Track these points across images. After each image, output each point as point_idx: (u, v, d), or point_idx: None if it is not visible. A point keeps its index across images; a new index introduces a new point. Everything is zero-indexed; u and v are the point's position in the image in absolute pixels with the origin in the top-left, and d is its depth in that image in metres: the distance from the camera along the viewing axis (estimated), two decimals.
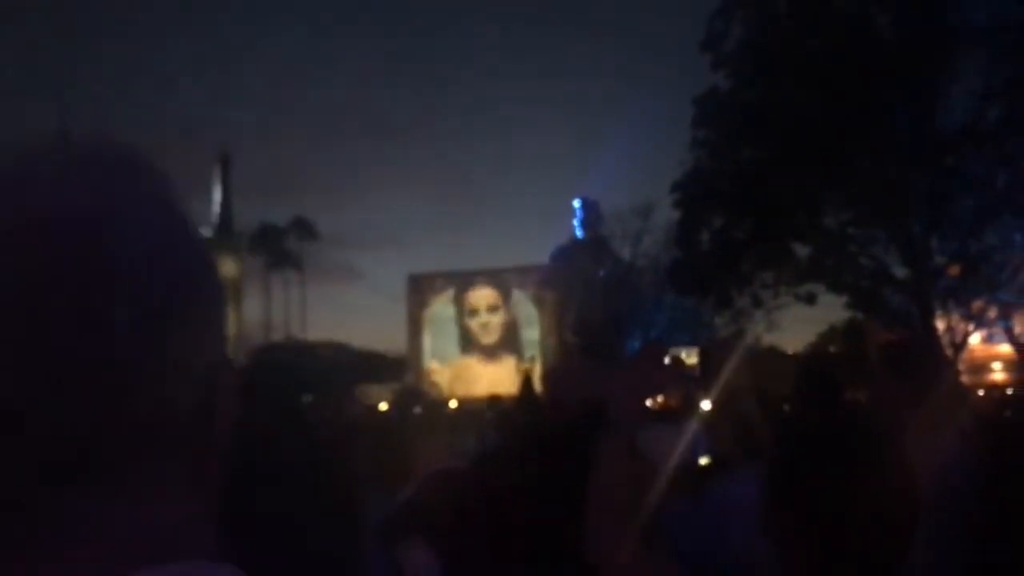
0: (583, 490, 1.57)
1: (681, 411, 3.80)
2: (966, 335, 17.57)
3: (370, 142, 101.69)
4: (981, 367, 23.95)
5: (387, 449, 3.11)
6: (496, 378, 31.39)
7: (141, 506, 0.45)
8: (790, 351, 19.84)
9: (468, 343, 39.90)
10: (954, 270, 16.81)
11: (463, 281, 40.57)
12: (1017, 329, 19.03)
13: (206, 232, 40.36)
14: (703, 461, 2.86)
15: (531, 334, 38.61)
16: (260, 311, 44.36)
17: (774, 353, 18.52)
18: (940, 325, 16.74)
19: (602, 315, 29.84)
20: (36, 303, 0.43)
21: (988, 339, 23.53)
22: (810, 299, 17.97)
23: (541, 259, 39.26)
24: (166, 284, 0.47)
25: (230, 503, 0.51)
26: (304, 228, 46.02)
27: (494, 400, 7.74)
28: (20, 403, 0.42)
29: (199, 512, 0.48)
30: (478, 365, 38.31)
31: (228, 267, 42.90)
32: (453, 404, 12.88)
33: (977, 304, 17.23)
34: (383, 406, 10.53)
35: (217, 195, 48.40)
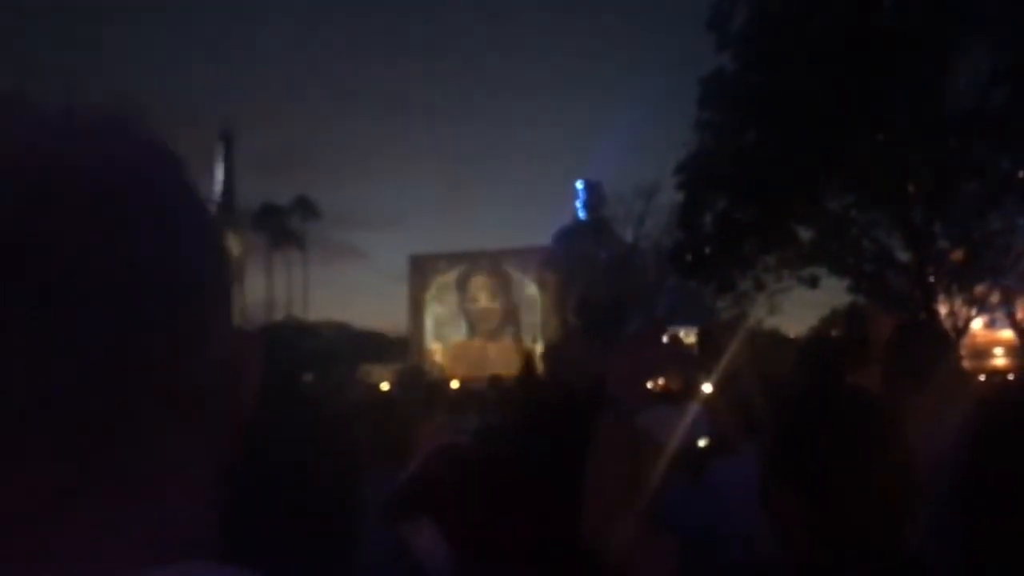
0: (583, 467, 1.57)
1: (682, 393, 3.81)
2: (968, 320, 17.54)
3: (374, 122, 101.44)
4: (983, 352, 23.92)
5: (390, 428, 3.12)
6: (498, 359, 31.41)
7: (151, 502, 0.44)
8: (792, 335, 19.81)
9: (470, 326, 39.96)
10: (957, 255, 16.77)
11: (465, 263, 40.54)
12: (1020, 314, 19.01)
13: None
14: (703, 443, 2.88)
15: (532, 316, 38.63)
16: (262, 290, 44.43)
17: (775, 336, 18.52)
18: (942, 310, 16.72)
19: (604, 297, 29.81)
20: (52, 276, 0.41)
21: (990, 324, 23.53)
22: (813, 282, 17.93)
23: (543, 240, 39.28)
24: (187, 261, 0.46)
25: (229, 485, 0.50)
26: (306, 207, 45.93)
27: (496, 380, 7.75)
28: (37, 390, 0.41)
29: (207, 501, 0.47)
30: (480, 346, 38.34)
31: (230, 246, 42.74)
32: (455, 384, 12.90)
33: (980, 289, 17.20)
34: (385, 386, 10.55)
35: (219, 174, 48.17)
